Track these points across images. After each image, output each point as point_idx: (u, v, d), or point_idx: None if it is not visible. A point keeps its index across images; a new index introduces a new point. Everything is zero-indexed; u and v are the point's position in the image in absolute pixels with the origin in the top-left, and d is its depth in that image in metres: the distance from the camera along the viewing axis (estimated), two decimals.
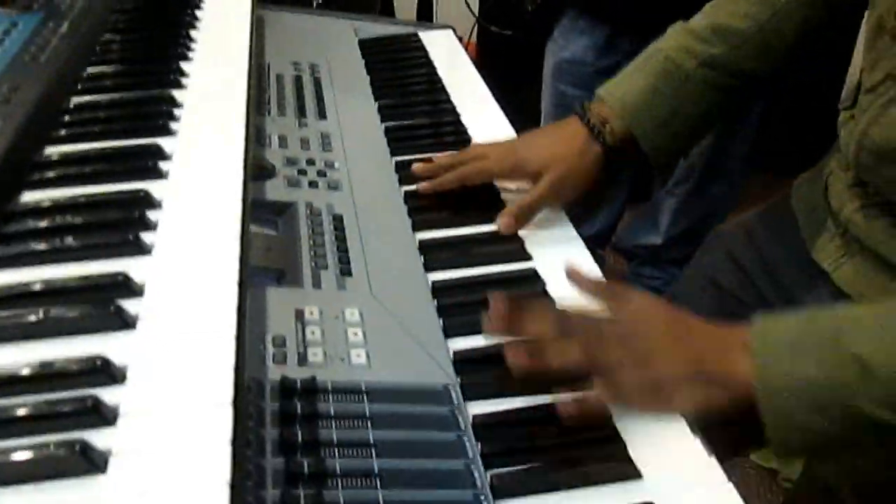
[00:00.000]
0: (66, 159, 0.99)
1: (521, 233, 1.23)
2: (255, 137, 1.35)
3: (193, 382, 0.71)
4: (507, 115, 1.54)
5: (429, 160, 1.32)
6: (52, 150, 1.01)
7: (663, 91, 1.24)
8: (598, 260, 2.81)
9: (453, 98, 1.61)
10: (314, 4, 2.51)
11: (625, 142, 1.26)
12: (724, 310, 1.34)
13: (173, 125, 1.07)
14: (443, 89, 1.64)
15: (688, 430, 0.90)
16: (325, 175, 1.30)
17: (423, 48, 1.82)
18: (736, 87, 1.25)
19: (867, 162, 1.06)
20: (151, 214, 0.90)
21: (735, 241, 1.39)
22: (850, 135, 1.09)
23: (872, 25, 1.08)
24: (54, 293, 0.79)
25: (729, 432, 1.23)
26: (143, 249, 0.85)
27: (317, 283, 1.07)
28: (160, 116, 1.08)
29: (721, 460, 0.88)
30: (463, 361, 0.99)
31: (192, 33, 1.30)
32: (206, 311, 0.78)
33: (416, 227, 1.23)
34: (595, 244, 2.87)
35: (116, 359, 0.72)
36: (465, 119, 1.53)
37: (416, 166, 1.32)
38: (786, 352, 0.87)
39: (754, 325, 0.90)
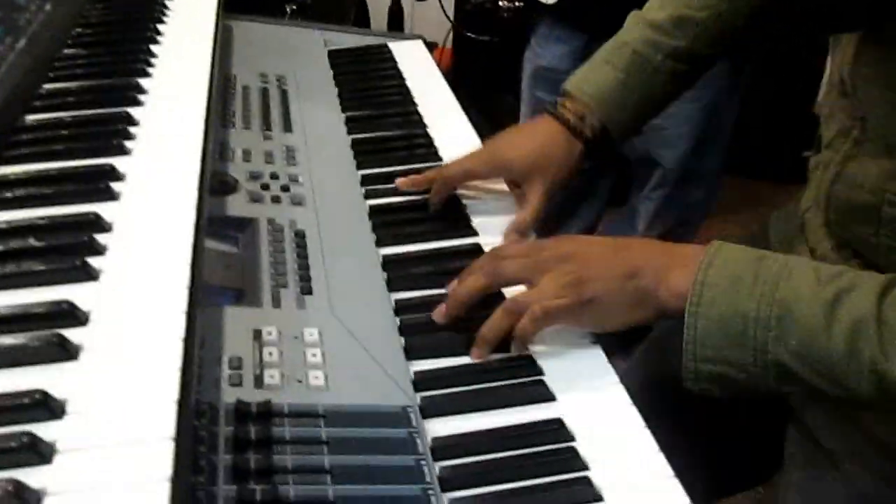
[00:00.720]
0: (14, 181, 0.98)
1: (484, 244, 1.23)
2: (219, 151, 1.34)
3: (135, 416, 0.69)
4: (484, 120, 1.55)
5: (408, 173, 1.34)
6: (3, 171, 1.00)
7: (632, 84, 1.28)
8: None
9: (422, 110, 1.60)
10: (286, 15, 2.50)
11: (602, 134, 1.29)
12: None
13: (129, 144, 1.05)
14: (412, 101, 1.64)
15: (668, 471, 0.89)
16: (288, 190, 1.29)
17: (392, 59, 1.81)
18: (694, 71, 1.31)
19: (836, 219, 1.07)
20: (101, 238, 0.89)
21: None
22: (818, 187, 1.11)
23: (828, 79, 1.10)
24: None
25: (712, 474, 1.24)
26: (90, 275, 0.84)
27: (276, 303, 1.06)
28: (116, 135, 1.06)
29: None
30: (423, 381, 0.98)
31: (154, 48, 1.28)
32: (151, 341, 0.77)
33: (380, 243, 1.22)
34: None
35: (56, 392, 0.70)
36: (433, 132, 1.53)
37: (399, 181, 1.33)
38: (727, 281, 0.92)
39: (711, 247, 0.96)
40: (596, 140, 1.28)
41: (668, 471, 0.88)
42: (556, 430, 0.92)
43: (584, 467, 0.88)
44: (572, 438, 0.91)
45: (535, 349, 1.03)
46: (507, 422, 0.93)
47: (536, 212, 1.26)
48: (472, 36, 3.17)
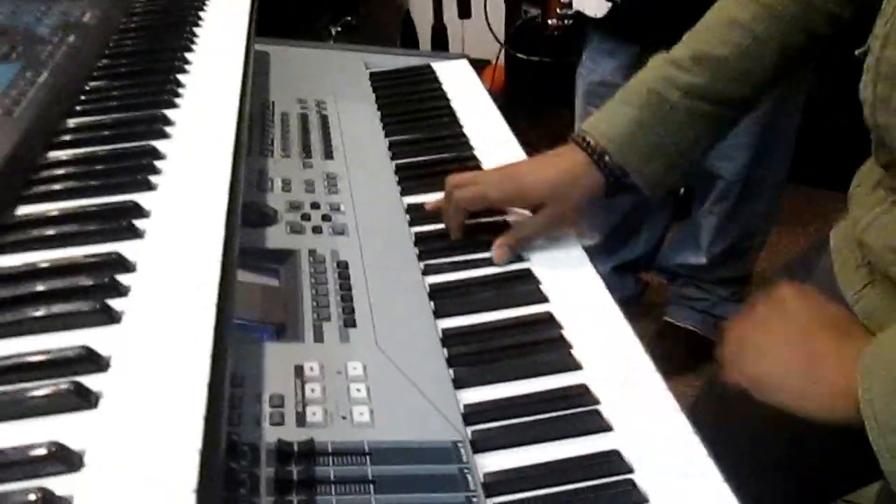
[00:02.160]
0: (34, 221, 0.96)
1: (536, 271, 1.21)
2: (257, 182, 1.32)
3: (156, 468, 0.67)
4: (537, 138, 1.52)
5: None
6: (24, 211, 0.98)
7: (648, 123, 1.23)
8: (641, 284, 2.81)
9: (468, 132, 1.58)
10: (332, 37, 2.49)
11: (621, 172, 1.25)
12: None
13: (154, 179, 1.04)
14: (457, 123, 1.62)
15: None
16: (329, 219, 1.27)
17: (436, 80, 1.79)
18: (720, 113, 1.24)
19: (870, 258, 1.06)
20: (123, 278, 0.87)
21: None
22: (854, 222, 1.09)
23: None
24: (10, 371, 0.75)
25: (821, 476, 1.22)
26: (111, 318, 0.81)
27: (318, 337, 1.04)
28: (141, 170, 1.05)
29: None
30: (474, 414, 0.96)
31: (181, 78, 1.27)
32: (175, 388, 0.74)
33: (427, 272, 1.21)
34: (639, 267, 2.90)
35: (74, 443, 0.68)
36: (481, 154, 1.51)
37: (427, 206, 1.32)
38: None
39: (869, 346, 0.90)
40: (616, 175, 1.25)
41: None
42: (614, 461, 0.89)
43: (645, 500, 0.85)
44: (631, 470, 0.89)
45: (590, 377, 1.01)
46: (563, 454, 0.91)
47: (533, 232, 1.26)
48: (524, 54, 3.15)
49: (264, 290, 1.12)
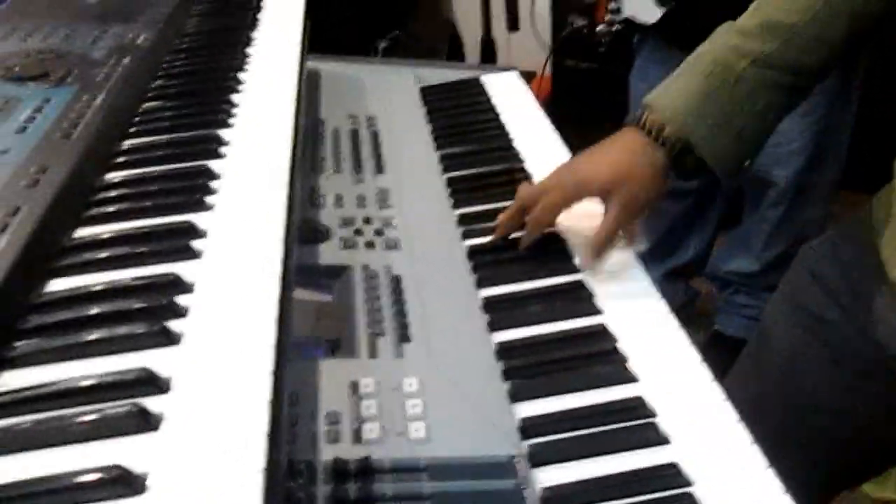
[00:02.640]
0: (92, 243, 0.98)
1: (589, 283, 1.20)
2: (309, 198, 1.34)
3: (220, 489, 0.67)
4: (585, 148, 1.51)
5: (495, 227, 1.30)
6: (82, 233, 1.00)
7: (715, 95, 1.20)
8: (691, 292, 2.74)
9: (519, 144, 1.58)
10: (378, 53, 2.50)
11: (683, 148, 1.21)
12: (809, 330, 1.32)
13: (210, 199, 1.05)
14: (507, 135, 1.61)
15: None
16: (382, 234, 1.28)
17: (485, 93, 1.79)
18: (792, 83, 1.20)
19: None
20: (181, 299, 0.88)
21: (819, 259, 1.35)
22: None
23: None
24: (72, 394, 0.76)
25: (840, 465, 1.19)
26: (171, 339, 0.83)
27: (373, 353, 1.05)
28: (197, 190, 1.06)
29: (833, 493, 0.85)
30: (530, 428, 0.96)
31: (234, 98, 1.28)
32: (236, 409, 0.75)
33: (481, 284, 1.20)
34: (687, 274, 2.85)
35: (136, 466, 0.68)
36: (531, 166, 1.50)
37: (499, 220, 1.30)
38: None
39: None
40: (677, 151, 1.21)
41: None
42: (672, 475, 0.89)
43: None
44: (689, 483, 0.88)
45: (645, 389, 1.01)
46: (620, 468, 0.90)
47: (610, 227, 1.22)
48: (572, 64, 3.14)
49: (318, 307, 1.12)
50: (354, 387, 0.98)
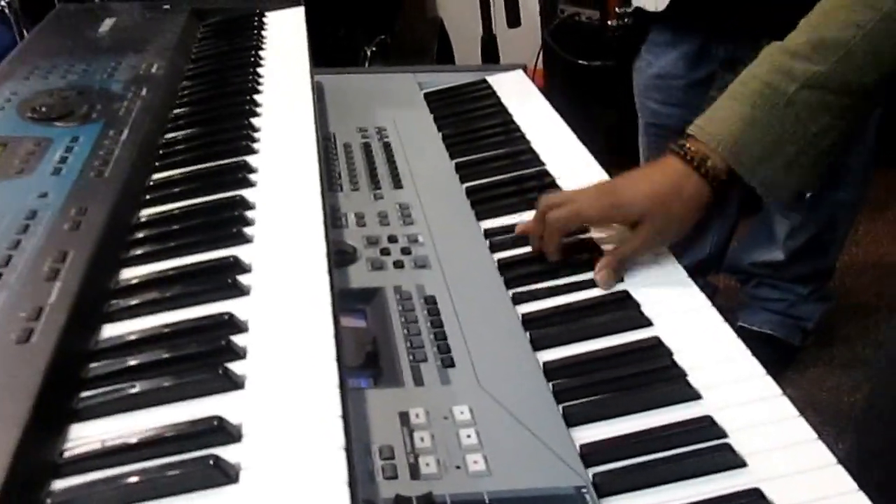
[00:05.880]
0: (137, 286, 0.98)
1: (635, 294, 1.18)
2: (331, 219, 1.32)
3: None
4: (583, 139, 1.50)
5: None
6: (127, 274, 1.00)
7: (763, 120, 1.16)
8: (709, 288, 2.66)
9: (535, 145, 1.57)
10: (366, 58, 2.49)
11: (730, 178, 1.19)
12: None
13: (249, 231, 1.05)
14: (522, 138, 1.61)
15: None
16: (410, 252, 1.26)
17: (493, 94, 1.78)
18: (848, 105, 1.16)
19: None
20: (238, 339, 0.87)
21: None
22: None
23: None
24: (144, 446, 0.76)
25: None
26: (234, 383, 0.82)
27: (418, 380, 1.03)
28: (234, 223, 1.06)
29: None
30: (593, 454, 0.93)
31: (255, 122, 1.28)
32: (311, 455, 0.74)
33: (517, 300, 1.19)
34: (706, 269, 2.78)
35: None
36: (552, 168, 1.49)
37: (517, 230, 1.30)
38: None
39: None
40: (723, 183, 1.19)
41: None
42: (755, 500, 0.86)
43: None
44: None
45: (711, 407, 0.99)
46: (697, 495, 0.88)
47: (636, 250, 1.22)
48: (570, 58, 3.13)
49: (354, 333, 1.10)
50: (404, 418, 0.96)
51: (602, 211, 1.24)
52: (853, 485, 0.87)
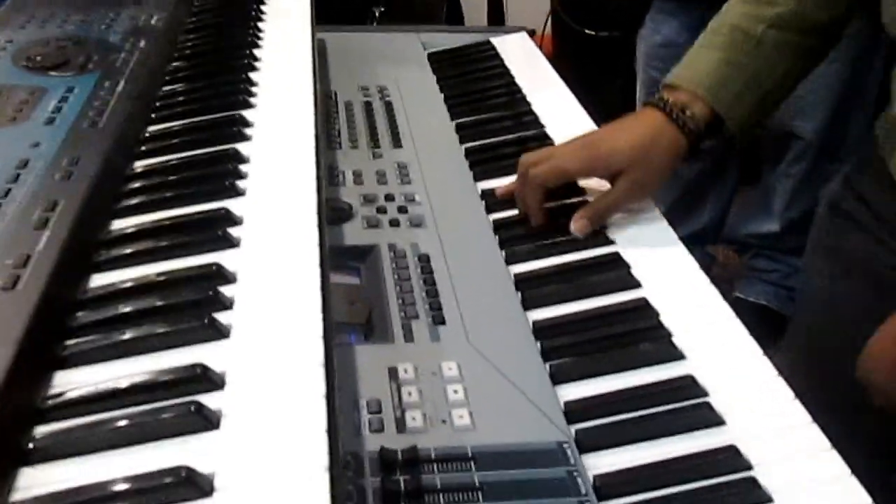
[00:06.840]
0: (128, 235, 0.98)
1: (624, 254, 1.19)
2: (328, 176, 1.33)
3: (287, 489, 0.68)
4: (589, 107, 1.51)
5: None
6: (118, 225, 1.00)
7: (736, 62, 1.23)
8: (707, 258, 2.68)
9: (536, 108, 1.57)
10: (374, 19, 2.48)
11: (709, 124, 1.24)
12: (843, 269, 1.34)
13: (241, 184, 1.05)
14: (524, 100, 1.61)
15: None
16: (406, 211, 1.27)
17: (497, 56, 1.78)
18: (810, 43, 1.24)
19: None
20: (226, 290, 0.88)
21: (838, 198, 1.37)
22: None
23: None
24: (126, 393, 0.77)
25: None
26: (220, 333, 0.83)
27: (409, 336, 1.04)
28: (227, 176, 1.06)
29: None
30: (576, 412, 0.94)
31: (253, 76, 1.28)
32: (293, 403, 0.75)
33: (510, 260, 1.19)
34: (704, 239, 2.79)
35: (202, 467, 0.69)
36: (551, 130, 1.49)
37: (497, 192, 1.32)
38: None
39: None
40: (702, 132, 1.23)
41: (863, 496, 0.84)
42: (732, 458, 0.87)
43: (769, 499, 0.84)
44: (749, 467, 0.87)
45: (694, 366, 1.00)
46: (675, 452, 0.89)
47: (616, 203, 1.24)
48: (578, 28, 3.11)
49: (348, 290, 1.11)
50: (393, 373, 0.97)
51: (582, 164, 1.26)
52: (827, 443, 0.89)
